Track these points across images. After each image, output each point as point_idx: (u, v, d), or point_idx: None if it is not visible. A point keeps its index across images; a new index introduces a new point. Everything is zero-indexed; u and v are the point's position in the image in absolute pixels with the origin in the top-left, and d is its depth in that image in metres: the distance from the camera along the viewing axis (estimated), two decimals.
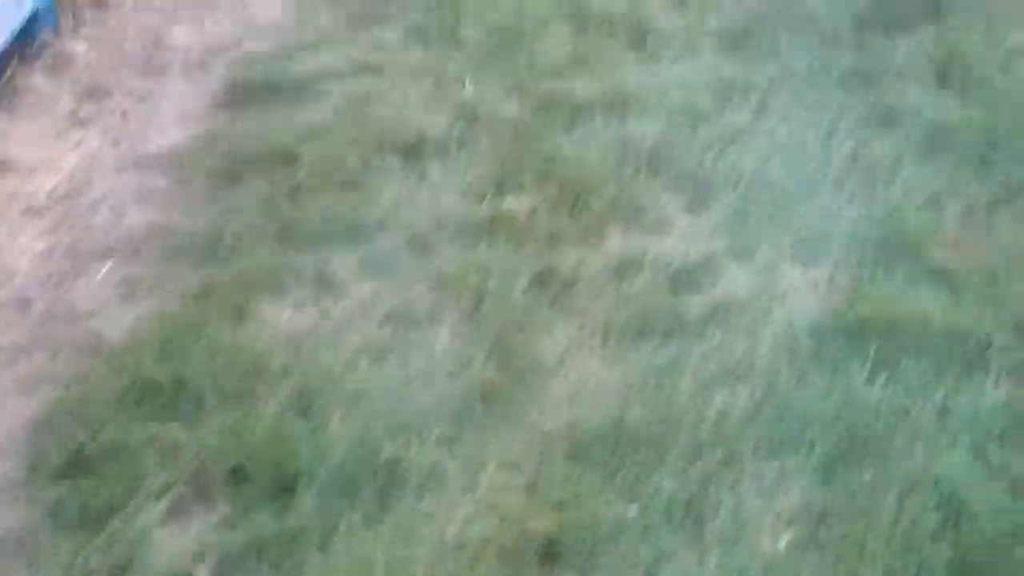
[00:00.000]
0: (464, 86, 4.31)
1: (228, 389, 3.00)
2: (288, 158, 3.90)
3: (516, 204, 3.71)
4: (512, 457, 2.84)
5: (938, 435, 2.94)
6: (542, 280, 3.40)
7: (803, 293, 3.39)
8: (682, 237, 3.62)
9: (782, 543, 2.69)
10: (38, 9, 4.45)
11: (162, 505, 2.71)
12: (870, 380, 3.09)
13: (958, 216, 3.71)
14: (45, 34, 4.51)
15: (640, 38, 4.63)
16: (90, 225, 3.66)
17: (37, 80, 4.35)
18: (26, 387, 3.06)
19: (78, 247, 3.56)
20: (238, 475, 2.77)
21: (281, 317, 3.28)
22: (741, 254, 3.54)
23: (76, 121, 4.16)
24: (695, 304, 3.33)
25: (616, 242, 3.59)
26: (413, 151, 3.94)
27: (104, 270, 3.46)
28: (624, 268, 3.47)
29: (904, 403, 3.02)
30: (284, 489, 2.74)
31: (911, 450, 2.88)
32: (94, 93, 4.33)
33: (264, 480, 2.76)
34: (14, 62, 4.37)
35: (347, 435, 2.88)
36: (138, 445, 2.82)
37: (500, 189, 3.77)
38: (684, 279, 3.43)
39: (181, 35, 4.70)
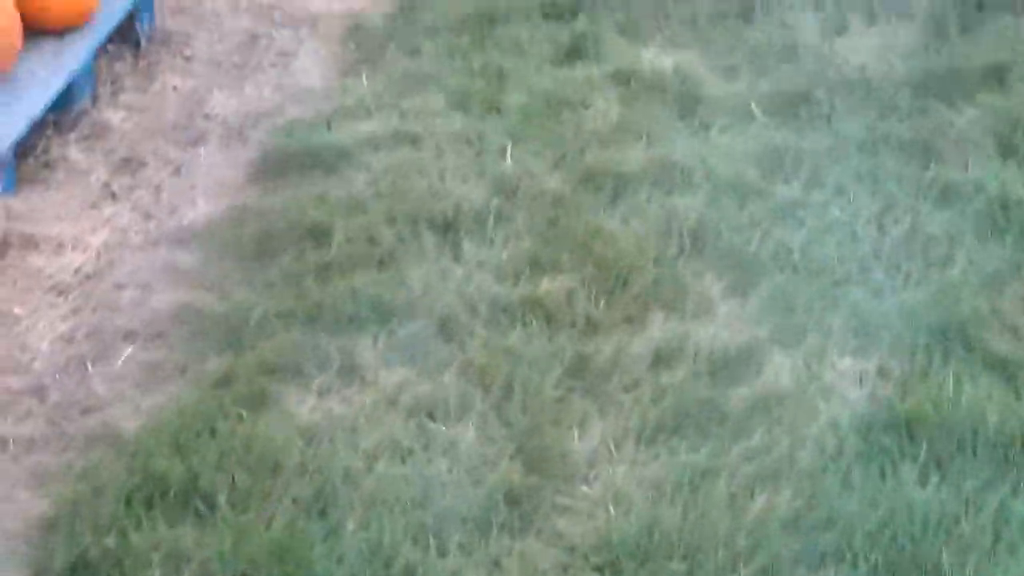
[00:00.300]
0: (505, 156, 4.18)
1: (241, 487, 2.87)
2: (321, 234, 3.79)
3: (553, 285, 3.56)
4: (536, 568, 2.69)
5: (994, 547, 2.75)
6: (576, 370, 3.25)
7: (851, 385, 3.23)
8: (725, 322, 3.46)
9: None
10: (75, 78, 4.37)
11: None
12: (920, 482, 2.92)
13: (1019, 300, 3.53)
14: (82, 103, 4.44)
15: (690, 104, 4.48)
16: (115, 306, 3.56)
17: (72, 151, 4.27)
18: (36, 482, 2.96)
19: (101, 329, 3.46)
20: None
21: (302, 407, 3.16)
22: (786, 342, 3.38)
23: (108, 194, 4.07)
24: (736, 397, 3.17)
25: (656, 328, 3.43)
26: (449, 226, 3.81)
27: (125, 355, 3.36)
28: (663, 357, 3.31)
29: (957, 509, 2.83)
30: None
31: (963, 564, 2.70)
32: (128, 164, 4.25)
33: None
34: (49, 132, 4.30)
35: (363, 539, 2.74)
36: (143, 550, 2.70)
37: (537, 269, 3.64)
38: (725, 369, 3.27)
39: (221, 101, 4.61)
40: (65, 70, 4.35)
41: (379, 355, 3.33)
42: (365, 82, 4.66)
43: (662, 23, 5.01)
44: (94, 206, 4.01)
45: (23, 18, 4.34)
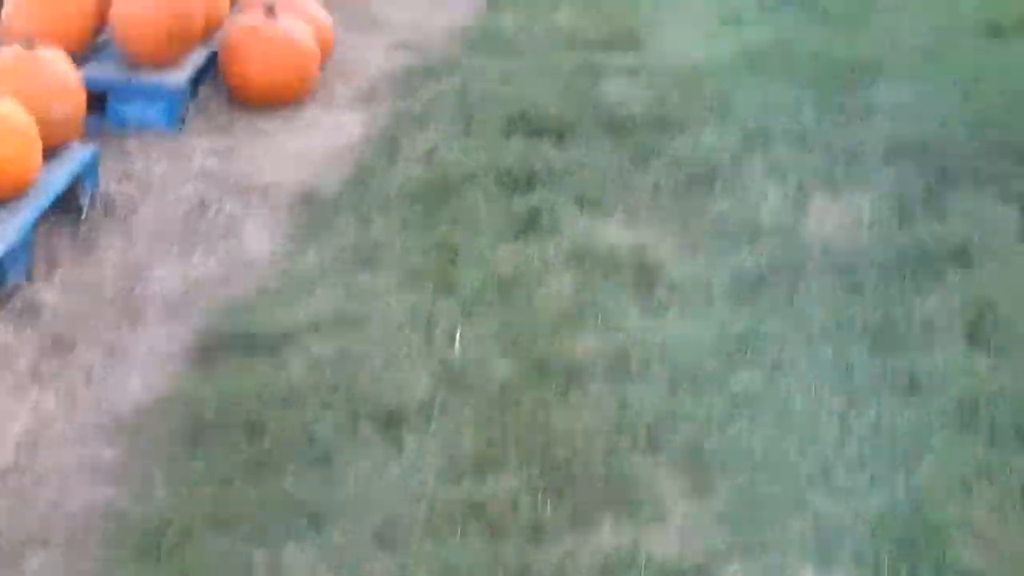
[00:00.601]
0: (454, 342, 4.00)
1: None
2: (254, 427, 3.58)
3: (497, 486, 3.36)
4: None
5: None
6: None
7: None
8: (680, 528, 3.26)
9: None
10: (8, 254, 4.20)
11: None
12: None
13: (991, 504, 3.34)
14: (15, 279, 4.26)
15: (647, 285, 4.32)
16: (29, 507, 3.33)
17: None
18: None
19: (11, 535, 3.23)
20: None
21: None
22: (747, 551, 3.18)
23: (35, 378, 3.87)
24: None
25: (606, 534, 3.23)
26: (391, 420, 3.62)
27: (35, 564, 3.13)
28: (611, 568, 3.10)
29: None
30: None
31: None
32: (60, 345, 4.05)
33: None
34: None
35: None
36: None
37: (481, 467, 3.43)
38: None
39: (162, 275, 4.43)
40: None
41: (308, 565, 3.11)
42: (312, 256, 4.49)
43: (622, 194, 4.88)
44: (18, 392, 3.80)
45: None
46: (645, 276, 4.37)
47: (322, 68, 5.97)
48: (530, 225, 4.66)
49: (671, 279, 4.36)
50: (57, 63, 4.72)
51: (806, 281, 4.32)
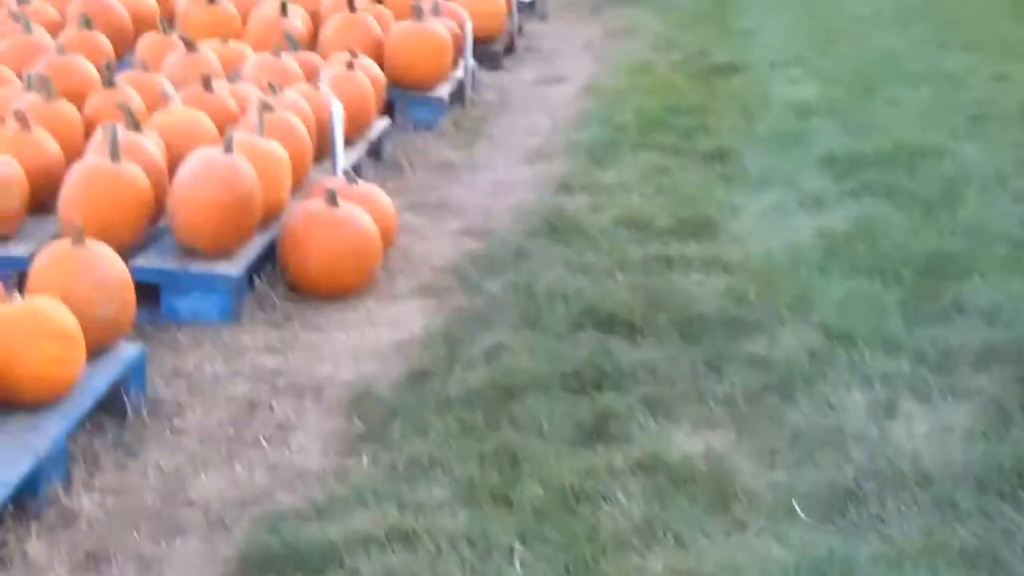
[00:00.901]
0: (512, 562, 3.70)
1: None
2: None
3: None
4: None
5: None
6: None
7: None
8: None
9: None
10: (44, 462, 3.97)
11: None
12: None
13: None
14: (51, 487, 4.03)
15: (722, 499, 4.01)
16: None
17: (32, 545, 3.84)
18: None
19: None
20: None
21: None
22: None
23: None
24: None
25: None
26: None
27: None
28: None
29: None
30: None
31: None
32: (93, 561, 3.80)
33: None
34: (9, 522, 3.88)
35: None
36: None
37: None
38: None
39: (206, 484, 4.19)
40: (32, 453, 3.96)
41: None
42: (364, 466, 4.23)
43: (695, 399, 4.59)
44: None
45: None
46: (720, 489, 4.06)
47: (384, 256, 5.80)
48: (597, 432, 4.38)
49: (748, 493, 4.04)
50: (105, 259, 4.55)
51: (895, 498, 3.98)
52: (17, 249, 5.27)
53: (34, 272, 4.50)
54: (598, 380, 4.68)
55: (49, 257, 4.51)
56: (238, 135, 5.53)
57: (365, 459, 4.28)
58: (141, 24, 7.96)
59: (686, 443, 4.33)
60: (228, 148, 5.37)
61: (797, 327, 5.04)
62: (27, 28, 7.11)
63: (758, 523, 3.90)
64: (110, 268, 4.54)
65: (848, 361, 4.78)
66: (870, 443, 4.28)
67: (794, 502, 3.98)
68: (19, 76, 6.34)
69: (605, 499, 4.00)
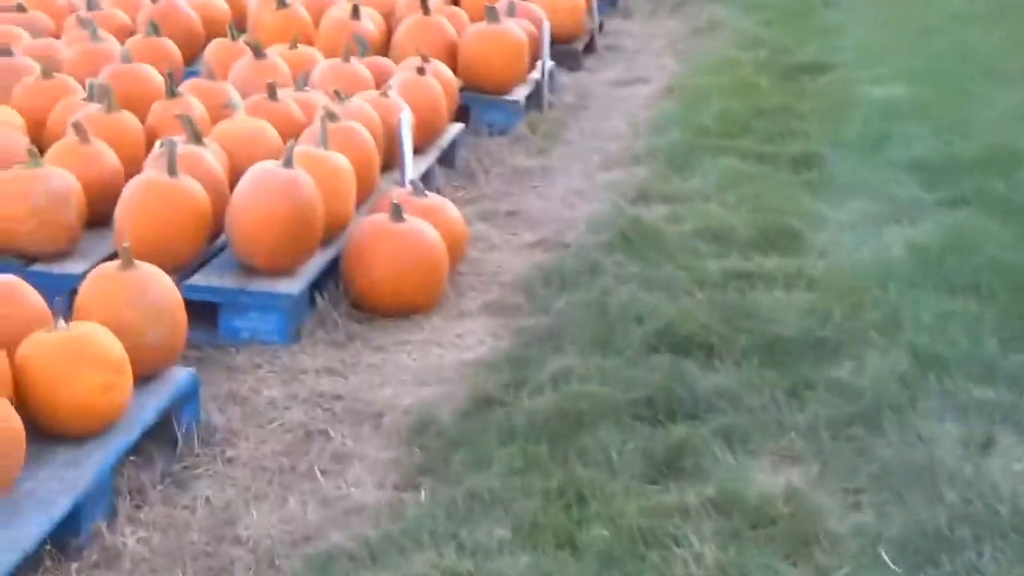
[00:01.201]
0: None
1: None
2: None
3: None
4: None
5: None
6: None
7: None
8: None
9: None
10: (86, 497, 3.79)
11: None
12: None
13: None
14: (94, 523, 3.85)
15: (804, 542, 3.73)
16: None
17: None
18: None
19: None
20: None
21: None
22: None
23: None
24: None
25: None
26: None
27: None
28: None
29: None
30: None
31: None
32: None
33: None
34: (48, 562, 3.71)
35: None
36: None
37: None
38: None
39: (256, 519, 3.98)
40: (74, 488, 3.78)
41: None
42: (421, 503, 4.00)
43: (774, 429, 4.31)
44: None
45: (32, 423, 3.84)
46: (800, 533, 3.78)
47: (452, 270, 5.57)
48: (669, 466, 4.12)
49: (831, 537, 3.76)
50: (155, 281, 4.35)
51: (992, 545, 3.68)
52: (74, 267, 5.10)
53: (80, 296, 4.32)
54: (671, 408, 4.41)
55: (96, 281, 4.33)
56: (299, 147, 5.34)
57: (423, 494, 4.06)
58: (212, 28, 7.81)
59: (765, 480, 4.05)
60: (288, 162, 5.17)
61: (885, 350, 4.73)
62: (94, 35, 6.97)
63: (842, 572, 3.62)
64: (160, 291, 4.35)
65: (940, 388, 4.46)
66: (964, 482, 3.97)
67: (881, 550, 3.69)
68: (84, 85, 6.19)
69: (676, 542, 3.74)
